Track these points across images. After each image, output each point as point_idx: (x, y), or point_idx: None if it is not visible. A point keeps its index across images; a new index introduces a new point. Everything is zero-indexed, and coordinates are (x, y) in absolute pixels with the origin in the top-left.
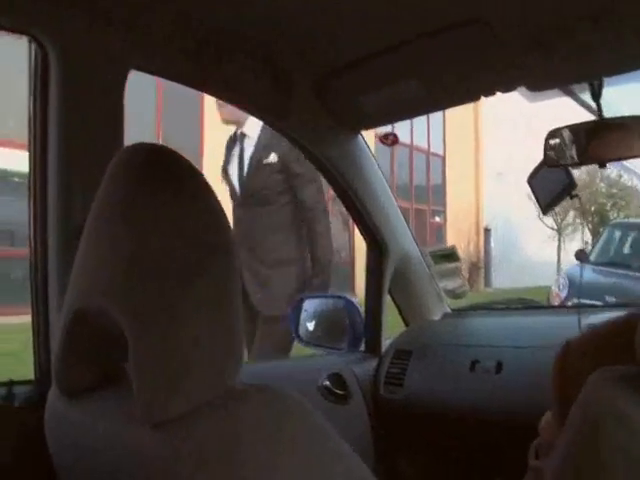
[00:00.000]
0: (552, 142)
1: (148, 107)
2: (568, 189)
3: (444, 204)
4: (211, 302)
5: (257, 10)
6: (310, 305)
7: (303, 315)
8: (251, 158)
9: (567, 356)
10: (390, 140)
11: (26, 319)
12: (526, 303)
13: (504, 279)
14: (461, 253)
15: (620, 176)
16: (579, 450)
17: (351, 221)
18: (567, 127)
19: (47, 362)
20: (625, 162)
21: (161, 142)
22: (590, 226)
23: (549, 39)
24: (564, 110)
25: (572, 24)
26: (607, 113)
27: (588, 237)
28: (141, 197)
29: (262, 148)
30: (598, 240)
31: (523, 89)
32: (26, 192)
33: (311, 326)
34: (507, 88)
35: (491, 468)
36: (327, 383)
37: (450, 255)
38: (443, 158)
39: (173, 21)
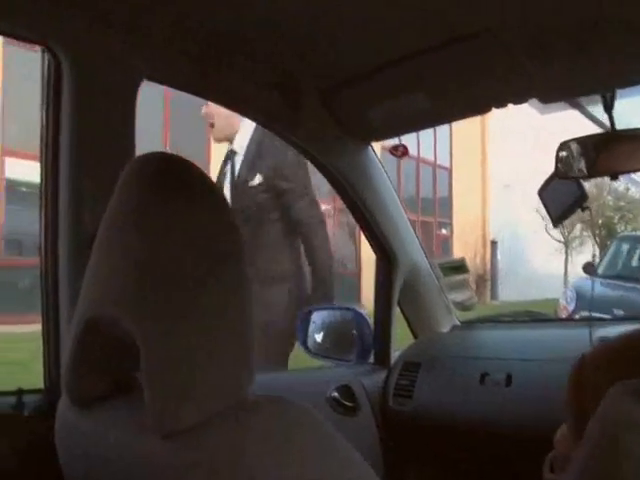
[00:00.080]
0: (563, 154)
1: (155, 117)
2: (579, 201)
3: (450, 216)
4: (223, 311)
5: (265, 21)
6: (318, 317)
7: (311, 327)
8: (238, 177)
9: (583, 369)
10: (400, 152)
11: (34, 328)
12: (534, 316)
13: (511, 292)
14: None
15: (628, 189)
16: (598, 464)
17: (357, 232)
18: (578, 139)
19: (57, 371)
20: (633, 175)
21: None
22: (597, 239)
23: (559, 49)
24: (572, 123)
25: (581, 34)
26: (618, 125)
27: (595, 250)
28: (153, 206)
29: (246, 169)
30: (606, 253)
31: (534, 101)
32: (35, 201)
33: (319, 338)
34: (518, 99)
35: None
36: (336, 395)
37: (459, 267)
38: (450, 170)
39: (194, 37)
